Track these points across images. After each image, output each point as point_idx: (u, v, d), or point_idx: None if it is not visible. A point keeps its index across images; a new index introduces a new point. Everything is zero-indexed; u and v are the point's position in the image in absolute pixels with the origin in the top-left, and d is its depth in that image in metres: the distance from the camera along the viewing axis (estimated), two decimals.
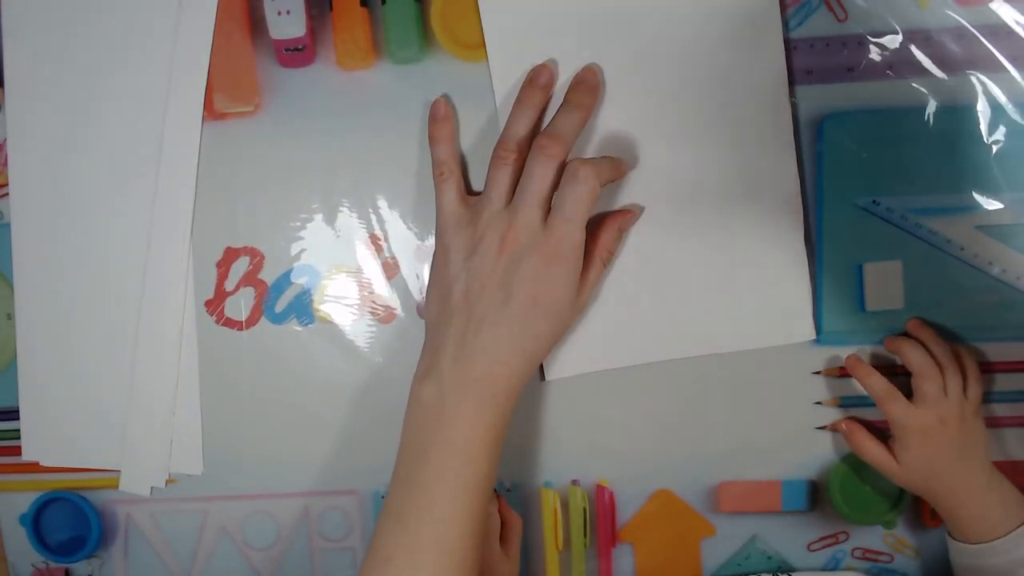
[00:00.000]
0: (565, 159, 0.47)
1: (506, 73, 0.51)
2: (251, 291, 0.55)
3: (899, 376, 0.52)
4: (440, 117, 0.51)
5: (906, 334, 0.52)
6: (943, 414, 0.49)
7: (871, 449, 0.51)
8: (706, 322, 0.52)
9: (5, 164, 0.55)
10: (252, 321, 0.55)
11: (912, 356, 0.50)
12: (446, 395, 0.46)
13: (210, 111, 0.54)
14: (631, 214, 0.51)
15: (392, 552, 0.44)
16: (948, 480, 0.50)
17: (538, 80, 0.49)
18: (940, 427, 0.49)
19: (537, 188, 0.46)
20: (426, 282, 0.54)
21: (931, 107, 0.50)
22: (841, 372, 0.53)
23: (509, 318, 0.46)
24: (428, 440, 0.45)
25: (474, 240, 0.47)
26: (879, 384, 0.50)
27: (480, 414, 0.45)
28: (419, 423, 0.46)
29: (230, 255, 0.55)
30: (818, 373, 0.53)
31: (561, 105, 0.49)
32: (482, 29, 0.51)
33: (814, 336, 0.52)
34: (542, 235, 0.46)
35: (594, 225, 0.48)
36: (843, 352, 0.52)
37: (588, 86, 0.49)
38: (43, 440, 0.57)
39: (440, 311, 0.48)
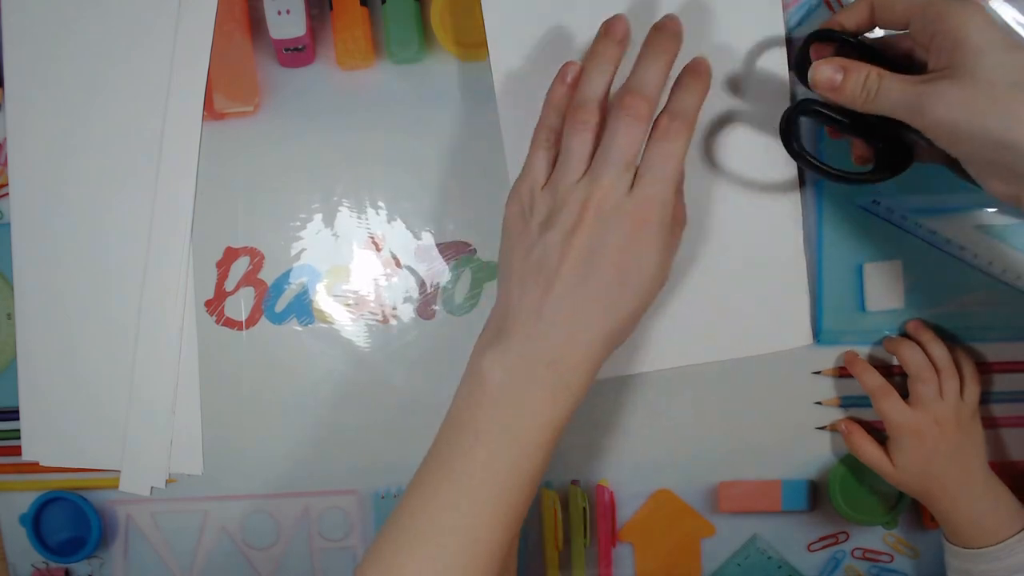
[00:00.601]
0: (652, 118, 0.42)
1: (508, 70, 0.51)
2: (251, 291, 0.55)
3: (896, 377, 0.52)
4: (568, 81, 0.45)
5: (906, 335, 0.52)
6: (939, 416, 0.49)
7: (868, 450, 0.51)
8: (703, 329, 0.52)
9: (5, 164, 0.55)
10: (252, 321, 0.55)
11: (909, 357, 0.50)
12: (514, 377, 0.41)
13: (210, 111, 0.54)
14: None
15: (424, 535, 0.40)
16: (943, 483, 0.49)
17: (614, 33, 0.44)
18: (936, 429, 0.49)
19: (622, 150, 0.41)
20: (426, 281, 0.54)
21: None
22: (841, 372, 0.53)
23: (591, 294, 0.41)
24: (484, 421, 0.41)
25: (552, 211, 0.42)
26: (873, 380, 0.50)
27: (548, 405, 0.41)
28: (476, 400, 0.42)
29: (230, 255, 0.55)
30: (818, 373, 0.53)
31: (641, 55, 0.44)
32: (484, 27, 0.51)
33: (811, 342, 0.52)
34: (629, 200, 0.41)
35: None
36: (843, 352, 0.52)
37: (671, 32, 0.44)
38: (43, 440, 0.57)
39: (513, 280, 0.43)
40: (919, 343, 0.51)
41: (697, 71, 0.44)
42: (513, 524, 0.42)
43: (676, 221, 0.45)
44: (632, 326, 0.43)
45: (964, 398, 0.50)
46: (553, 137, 0.45)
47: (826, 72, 0.42)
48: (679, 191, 0.45)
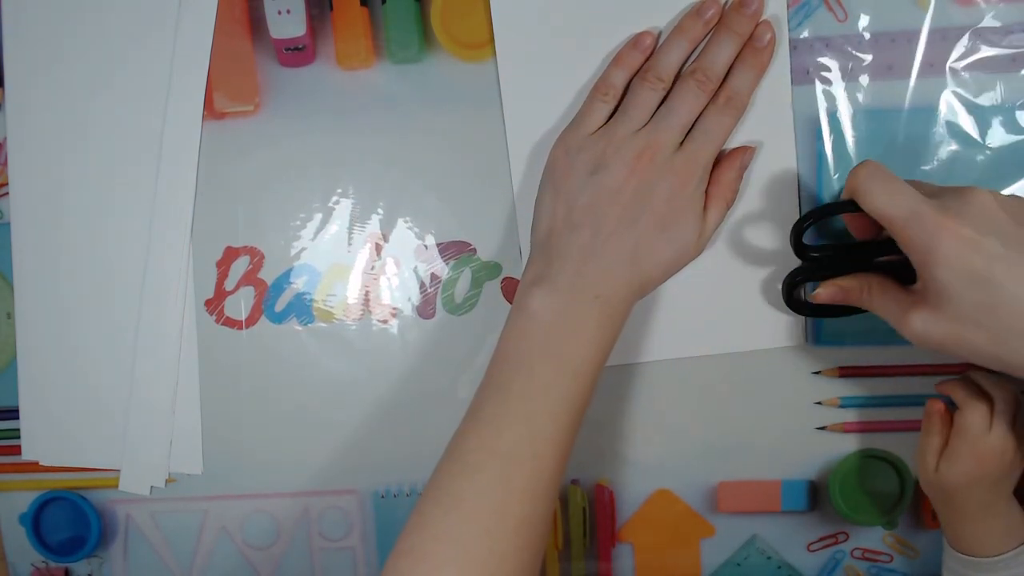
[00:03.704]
0: (714, 92, 0.47)
1: (514, 69, 0.51)
2: (251, 291, 0.55)
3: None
4: (641, 47, 0.48)
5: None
6: (1006, 447, 0.47)
7: (934, 438, 0.48)
8: (699, 324, 0.52)
9: (5, 164, 0.55)
10: (252, 321, 0.55)
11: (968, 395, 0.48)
12: (564, 308, 0.44)
13: (210, 110, 0.54)
14: (751, 150, 0.49)
15: (484, 459, 0.42)
16: (972, 500, 0.48)
17: (703, 13, 0.48)
18: (998, 459, 0.47)
19: (683, 113, 0.46)
20: (426, 281, 0.54)
21: (931, 107, 0.50)
22: (841, 372, 0.53)
23: (636, 238, 0.45)
24: (536, 351, 0.44)
25: (605, 156, 0.46)
26: (967, 390, 0.48)
27: (597, 333, 0.44)
28: (527, 333, 0.44)
29: (230, 255, 0.55)
30: (818, 373, 0.53)
31: (716, 32, 0.47)
32: (488, 27, 0.51)
33: (803, 342, 0.52)
34: (678, 155, 0.46)
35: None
36: (843, 352, 0.52)
37: (752, 12, 0.47)
38: (43, 440, 0.57)
39: (556, 222, 0.46)
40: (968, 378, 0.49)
41: (760, 49, 0.48)
42: (567, 452, 0.44)
43: (720, 196, 0.48)
44: (664, 277, 0.47)
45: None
46: (612, 92, 0.48)
47: (827, 294, 0.47)
48: (741, 170, 0.49)
